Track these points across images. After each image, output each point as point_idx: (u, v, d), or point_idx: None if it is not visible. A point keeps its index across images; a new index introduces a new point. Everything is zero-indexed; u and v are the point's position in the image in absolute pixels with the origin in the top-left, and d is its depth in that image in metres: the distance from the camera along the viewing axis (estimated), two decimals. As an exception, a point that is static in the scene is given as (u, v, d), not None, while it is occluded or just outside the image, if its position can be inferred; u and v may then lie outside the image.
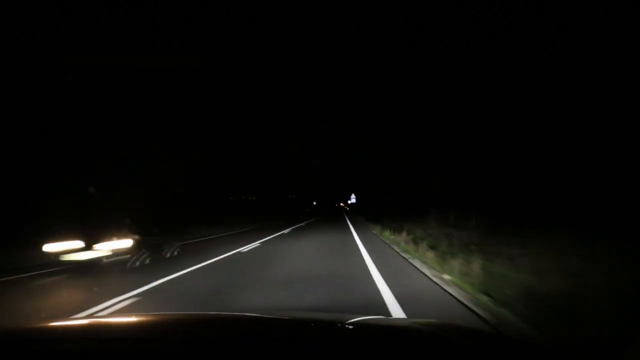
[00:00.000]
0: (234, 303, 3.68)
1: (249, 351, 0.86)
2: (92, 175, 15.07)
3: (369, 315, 2.10)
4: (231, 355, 0.84)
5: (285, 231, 15.25)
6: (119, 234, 6.04)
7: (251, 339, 0.99)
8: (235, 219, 24.04)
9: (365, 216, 28.18)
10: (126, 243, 6.05)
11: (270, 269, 5.81)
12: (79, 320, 2.14)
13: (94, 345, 0.93)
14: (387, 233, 11.11)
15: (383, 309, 3.14)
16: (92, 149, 17.62)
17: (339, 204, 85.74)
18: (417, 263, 5.50)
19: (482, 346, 0.99)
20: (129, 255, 6.08)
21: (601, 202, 9.98)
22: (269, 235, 12.81)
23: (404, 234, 9.14)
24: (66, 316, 3.33)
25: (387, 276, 4.57)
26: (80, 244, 5.78)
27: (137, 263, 6.29)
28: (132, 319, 1.56)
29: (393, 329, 1.22)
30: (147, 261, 6.56)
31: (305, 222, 23.31)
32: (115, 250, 5.86)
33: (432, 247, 6.51)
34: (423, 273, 4.75)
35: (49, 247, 5.84)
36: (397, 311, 3.07)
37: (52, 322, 1.30)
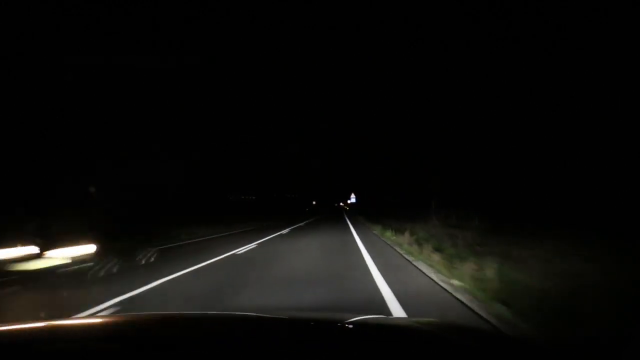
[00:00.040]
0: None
1: (249, 351, 0.85)
2: (79, 175, 14.73)
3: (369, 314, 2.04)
4: (231, 355, 0.84)
5: (284, 231, 15.06)
6: (83, 237, 5.19)
7: (251, 339, 0.99)
8: (235, 218, 23.97)
9: (364, 216, 28.15)
10: (88, 249, 5.17)
11: (256, 285, 4.66)
12: (79, 320, 2.09)
13: (93, 345, 0.93)
14: (388, 233, 10.99)
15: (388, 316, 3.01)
16: (92, 149, 17.52)
17: (339, 204, 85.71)
18: (423, 266, 5.32)
19: (482, 346, 0.98)
20: (92, 263, 5.19)
21: (601, 202, 9.96)
22: (266, 236, 12.61)
23: (406, 235, 9.03)
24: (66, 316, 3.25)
25: (391, 282, 4.38)
26: (33, 249, 4.84)
27: (102, 272, 5.35)
28: (132, 318, 1.56)
29: (393, 329, 1.21)
30: (115, 270, 5.61)
31: (305, 222, 23.14)
32: (75, 257, 4.98)
33: (438, 249, 6.40)
34: (430, 277, 4.55)
35: None
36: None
37: (52, 321, 1.29)
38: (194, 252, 8.51)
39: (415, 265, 5.50)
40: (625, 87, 11.49)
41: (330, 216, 36.36)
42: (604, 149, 11.58)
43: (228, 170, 37.12)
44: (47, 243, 4.90)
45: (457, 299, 3.47)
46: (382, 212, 24.45)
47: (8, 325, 1.08)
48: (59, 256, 4.88)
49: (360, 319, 1.28)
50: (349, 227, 16.55)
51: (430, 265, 5.28)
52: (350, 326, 1.17)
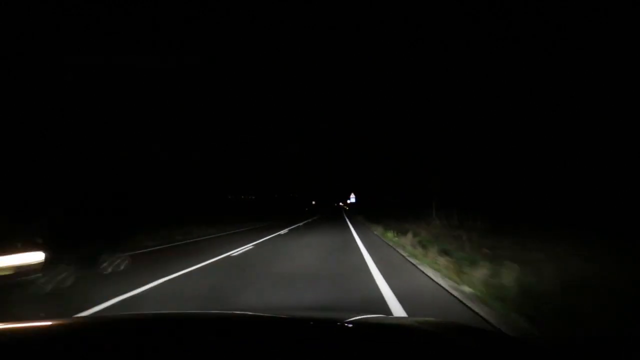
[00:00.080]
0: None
1: (249, 350, 0.85)
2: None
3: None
4: (230, 355, 0.83)
5: (283, 232, 14.82)
6: (27, 244, 4.37)
7: (250, 338, 0.98)
8: (235, 218, 23.90)
9: (364, 215, 28.00)
10: (35, 257, 4.30)
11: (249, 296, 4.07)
12: (79, 320, 2.07)
13: (93, 345, 0.94)
14: (390, 235, 10.76)
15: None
16: (92, 149, 17.32)
17: (338, 204, 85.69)
18: (430, 271, 5.05)
19: (482, 345, 0.97)
20: (40, 274, 4.31)
21: (601, 202, 9.80)
22: (265, 237, 12.33)
23: (409, 236, 8.80)
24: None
25: (394, 286, 4.14)
26: None
27: (50, 286, 4.43)
28: (132, 318, 1.54)
29: (393, 328, 1.20)
30: (69, 282, 4.70)
31: (304, 222, 22.93)
32: (18, 267, 4.14)
33: (444, 252, 6.15)
34: (438, 284, 4.28)
35: None
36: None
37: (52, 321, 1.27)
38: (184, 255, 7.97)
39: (421, 270, 5.24)
40: (625, 87, 11.40)
41: (330, 216, 36.28)
42: (604, 149, 11.47)
43: (228, 170, 36.97)
44: None
45: (471, 309, 3.17)
46: (382, 212, 24.25)
47: (8, 325, 1.07)
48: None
49: (360, 318, 1.28)
50: (349, 228, 16.33)
51: (438, 270, 5.01)
52: (350, 325, 1.17)
